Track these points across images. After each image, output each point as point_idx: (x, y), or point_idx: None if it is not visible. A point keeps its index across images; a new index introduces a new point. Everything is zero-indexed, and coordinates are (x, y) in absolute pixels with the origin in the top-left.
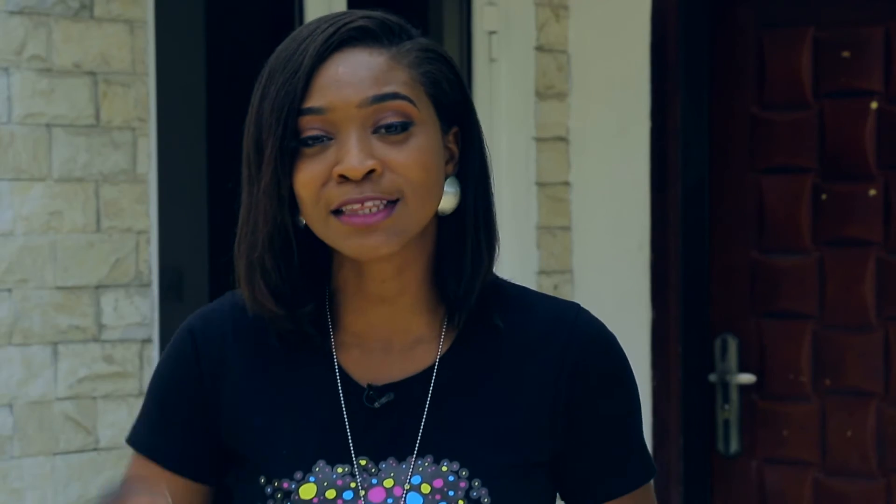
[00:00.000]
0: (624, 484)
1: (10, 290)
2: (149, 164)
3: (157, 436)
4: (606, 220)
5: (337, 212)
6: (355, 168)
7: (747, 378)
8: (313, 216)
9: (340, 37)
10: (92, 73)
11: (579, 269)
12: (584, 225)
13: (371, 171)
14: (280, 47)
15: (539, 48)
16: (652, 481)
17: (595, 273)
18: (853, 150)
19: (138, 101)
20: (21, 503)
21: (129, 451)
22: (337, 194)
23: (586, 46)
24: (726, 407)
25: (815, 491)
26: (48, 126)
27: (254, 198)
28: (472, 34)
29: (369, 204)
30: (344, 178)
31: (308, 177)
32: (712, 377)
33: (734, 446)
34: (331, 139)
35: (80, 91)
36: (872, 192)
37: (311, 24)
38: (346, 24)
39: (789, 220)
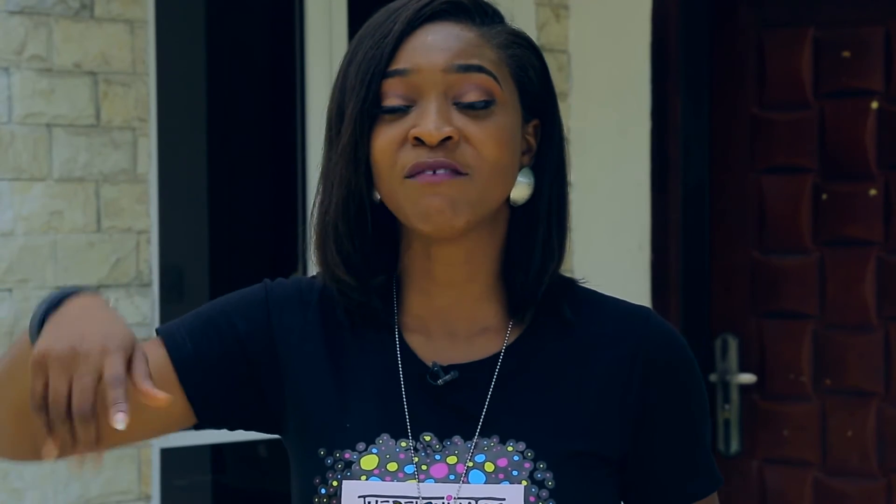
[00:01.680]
0: (689, 492)
1: (10, 290)
2: (149, 164)
3: (185, 334)
4: (606, 220)
5: (410, 177)
6: (431, 132)
7: (748, 378)
8: (387, 182)
9: (434, 8)
10: (92, 73)
11: (579, 269)
12: (584, 225)
13: (447, 139)
14: (370, 19)
15: (539, 48)
16: (715, 494)
17: (595, 273)
18: (853, 150)
19: (138, 101)
20: (21, 503)
21: (129, 450)
22: (411, 157)
23: (586, 46)
24: (727, 407)
25: (815, 491)
26: (48, 126)
27: (332, 162)
28: None
29: (441, 172)
30: (419, 142)
31: (385, 140)
32: (713, 377)
33: (734, 446)
34: (411, 107)
35: (81, 91)
36: (873, 191)
37: None
38: None
39: (789, 220)
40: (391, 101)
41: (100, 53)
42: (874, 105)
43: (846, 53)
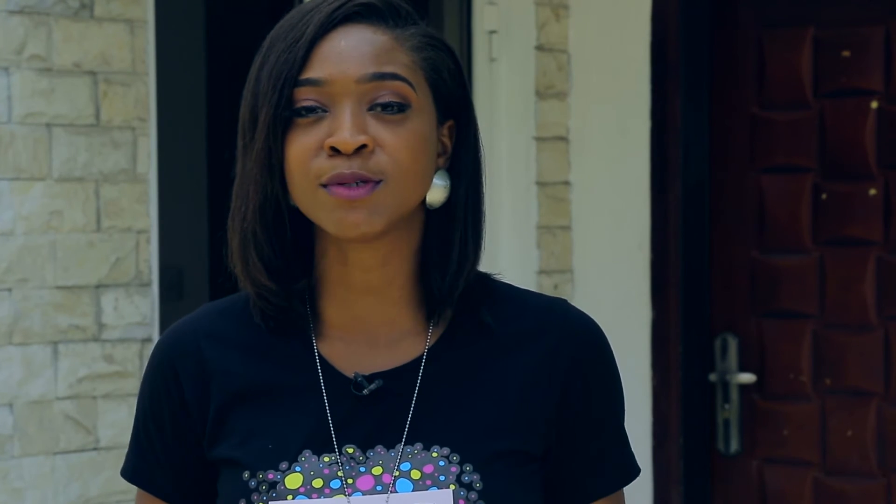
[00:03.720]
0: (606, 483)
1: (10, 290)
2: (149, 164)
3: (152, 467)
4: (606, 220)
5: (325, 186)
6: (347, 141)
7: (747, 378)
8: (301, 188)
9: (346, 11)
10: (92, 73)
11: (579, 269)
12: (584, 225)
13: (362, 147)
14: (283, 19)
15: (539, 48)
16: (623, 490)
17: (595, 273)
18: (853, 149)
19: (138, 101)
20: (21, 503)
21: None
22: (327, 167)
23: (586, 46)
24: (726, 407)
25: (815, 491)
26: (48, 126)
27: (246, 168)
28: (472, 34)
29: (357, 186)
30: (335, 151)
31: (299, 148)
32: (712, 377)
33: (734, 446)
34: (325, 112)
35: (80, 91)
36: (872, 191)
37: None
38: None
39: (789, 220)
40: (304, 105)
41: (100, 53)
42: (874, 105)
43: (846, 53)
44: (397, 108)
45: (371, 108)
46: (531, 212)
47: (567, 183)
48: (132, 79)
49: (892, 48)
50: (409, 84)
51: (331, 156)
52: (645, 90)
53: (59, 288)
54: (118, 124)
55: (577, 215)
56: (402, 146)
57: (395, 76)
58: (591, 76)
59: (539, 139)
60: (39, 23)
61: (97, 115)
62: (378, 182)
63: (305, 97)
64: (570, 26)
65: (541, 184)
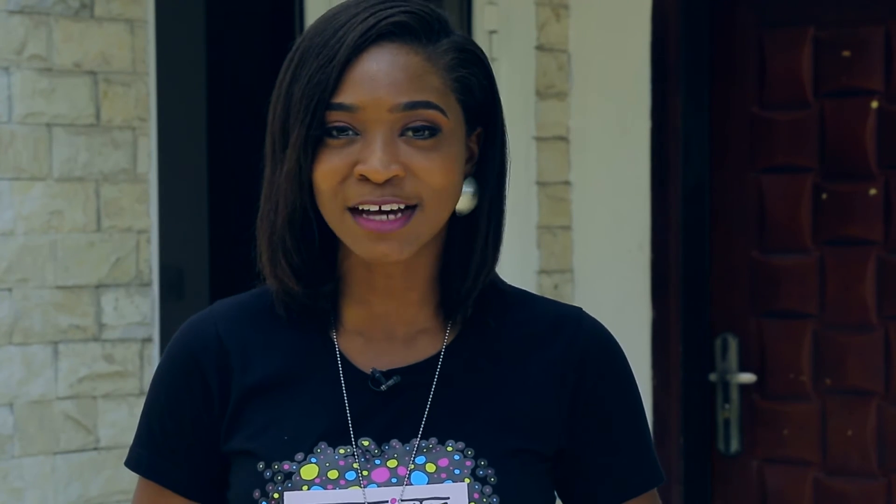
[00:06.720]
0: (629, 487)
1: (10, 290)
2: (149, 164)
3: (162, 458)
4: (606, 220)
5: (353, 210)
6: (378, 171)
7: (748, 377)
8: (329, 209)
9: (379, 31)
10: (92, 73)
11: (579, 268)
12: (584, 225)
13: (393, 176)
14: (315, 29)
15: (539, 48)
16: (656, 490)
17: (595, 273)
18: (853, 149)
19: (138, 100)
20: (21, 503)
21: None
22: (356, 193)
23: (586, 46)
24: (726, 406)
25: (815, 491)
26: (48, 126)
27: (277, 178)
28: (473, 34)
29: (387, 208)
30: (365, 178)
31: (329, 169)
32: (712, 377)
33: (734, 446)
34: (357, 134)
35: (81, 91)
36: (873, 191)
37: (349, 8)
38: (386, 17)
39: (789, 220)
40: (336, 125)
41: (100, 53)
42: (874, 105)
43: (846, 53)
44: (429, 133)
45: (402, 133)
46: (531, 212)
47: (567, 183)
48: (132, 79)
49: (892, 48)
50: (441, 111)
51: (360, 181)
52: (645, 90)
53: (59, 288)
54: (118, 124)
55: (577, 215)
56: (434, 172)
57: (427, 104)
58: (592, 76)
59: (539, 139)
60: (39, 23)
61: (97, 115)
62: (414, 206)
63: (338, 120)
64: (570, 26)
65: (541, 184)
